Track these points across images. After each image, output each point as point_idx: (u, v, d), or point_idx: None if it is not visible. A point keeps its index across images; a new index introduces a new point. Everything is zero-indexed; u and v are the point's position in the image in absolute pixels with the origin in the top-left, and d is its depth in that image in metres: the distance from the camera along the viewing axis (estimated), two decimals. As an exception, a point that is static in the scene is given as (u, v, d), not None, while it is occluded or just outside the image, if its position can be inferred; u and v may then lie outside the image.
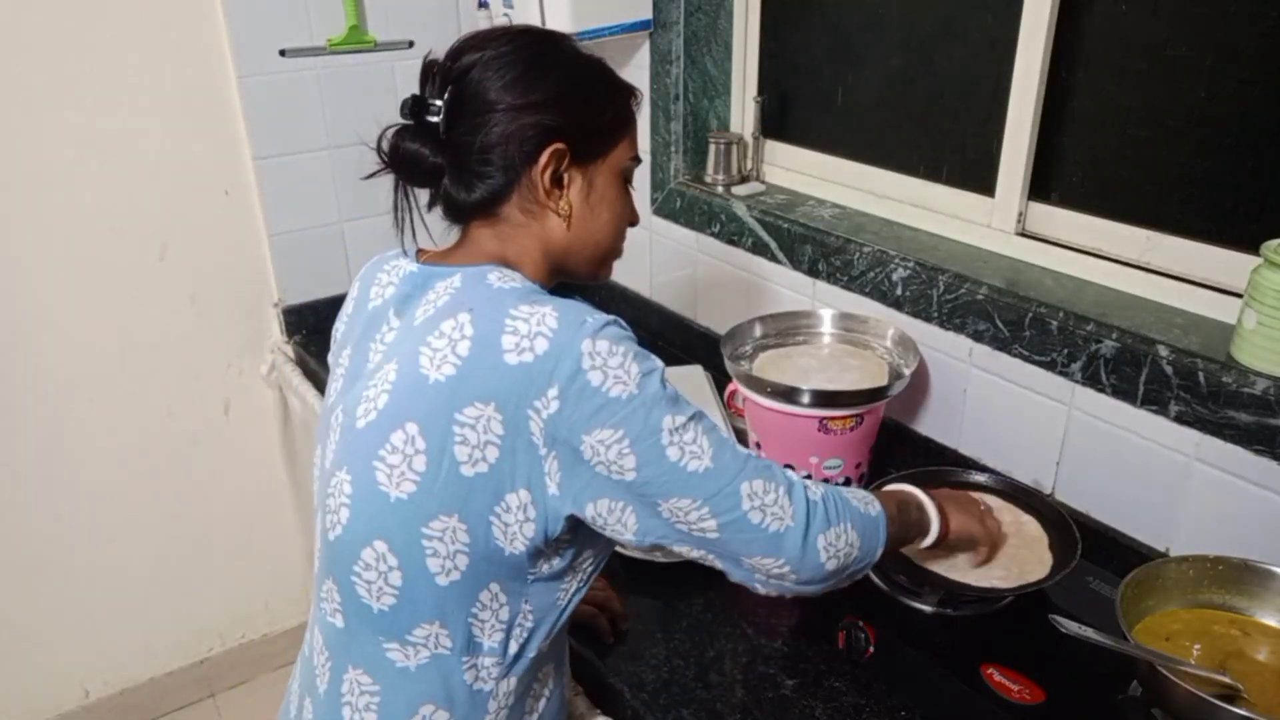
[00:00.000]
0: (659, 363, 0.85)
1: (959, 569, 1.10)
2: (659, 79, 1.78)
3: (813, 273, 1.57)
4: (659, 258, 1.93)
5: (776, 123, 1.78)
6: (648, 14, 1.73)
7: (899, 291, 1.43)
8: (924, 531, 1.03)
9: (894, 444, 1.47)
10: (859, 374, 1.37)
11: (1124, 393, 1.18)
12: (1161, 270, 1.25)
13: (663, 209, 1.86)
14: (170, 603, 2.14)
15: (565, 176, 0.92)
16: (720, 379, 1.64)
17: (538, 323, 0.81)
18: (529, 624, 0.90)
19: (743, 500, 0.84)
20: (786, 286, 1.64)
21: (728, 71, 1.79)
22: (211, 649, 2.24)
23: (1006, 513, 1.20)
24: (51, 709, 2.08)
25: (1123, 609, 0.96)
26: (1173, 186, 1.24)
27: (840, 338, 1.48)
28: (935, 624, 1.12)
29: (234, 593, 2.22)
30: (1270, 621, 1.01)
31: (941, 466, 1.35)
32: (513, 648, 0.90)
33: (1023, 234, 1.40)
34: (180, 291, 1.93)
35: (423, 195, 0.95)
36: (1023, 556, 1.12)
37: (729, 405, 1.57)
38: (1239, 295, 1.12)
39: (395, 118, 0.92)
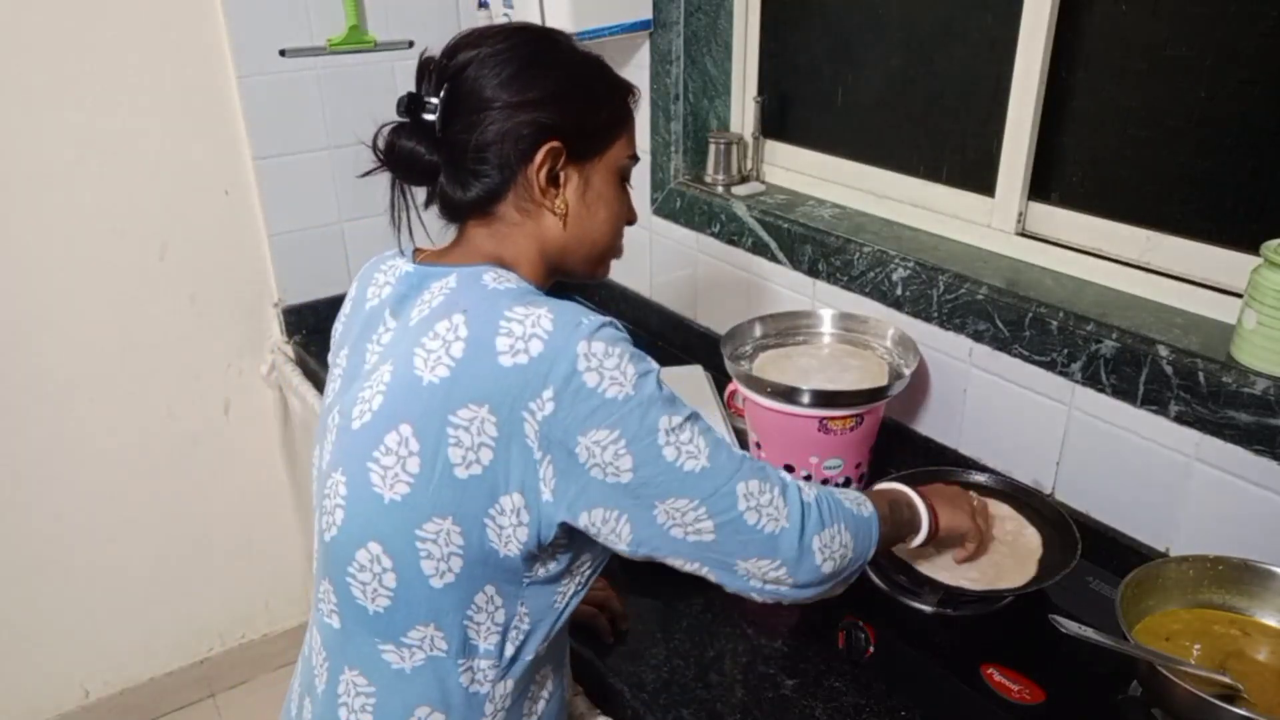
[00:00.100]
0: (655, 364, 0.85)
1: (940, 565, 1.10)
2: (659, 79, 1.78)
3: (813, 273, 1.57)
4: (659, 258, 1.93)
5: (776, 123, 1.78)
6: (648, 14, 1.73)
7: (899, 291, 1.43)
8: (915, 529, 1.03)
9: (894, 444, 1.47)
10: (859, 374, 1.37)
11: (1124, 393, 1.17)
12: (1161, 270, 1.25)
13: (663, 209, 1.86)
14: (170, 603, 2.14)
15: (561, 175, 0.91)
16: (720, 379, 1.64)
17: (533, 324, 0.80)
18: (525, 627, 0.90)
19: (739, 500, 0.84)
20: (786, 286, 1.64)
21: (728, 71, 1.79)
22: (211, 649, 2.24)
23: (1010, 521, 1.19)
24: (51, 709, 2.08)
25: (1123, 609, 0.96)
26: (1173, 186, 1.24)
27: (840, 338, 1.48)
28: (935, 624, 1.12)
29: (234, 593, 2.22)
30: (1270, 621, 1.01)
31: (941, 466, 1.35)
32: (509, 650, 0.90)
33: (1023, 234, 1.40)
34: (180, 291, 1.93)
35: (419, 194, 0.95)
36: (1005, 564, 1.12)
37: (729, 405, 1.57)
38: (1239, 295, 1.12)
39: (395, 118, 0.92)
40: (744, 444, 1.47)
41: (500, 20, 1.77)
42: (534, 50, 0.90)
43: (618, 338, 0.82)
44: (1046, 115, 1.33)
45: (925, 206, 1.52)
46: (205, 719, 2.21)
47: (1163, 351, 1.13)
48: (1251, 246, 1.11)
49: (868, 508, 0.95)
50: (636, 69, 1.81)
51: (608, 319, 0.84)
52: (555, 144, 0.89)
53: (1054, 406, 1.27)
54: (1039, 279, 1.33)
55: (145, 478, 2.01)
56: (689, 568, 0.87)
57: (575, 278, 1.00)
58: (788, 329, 1.50)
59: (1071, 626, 0.94)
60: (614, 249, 1.00)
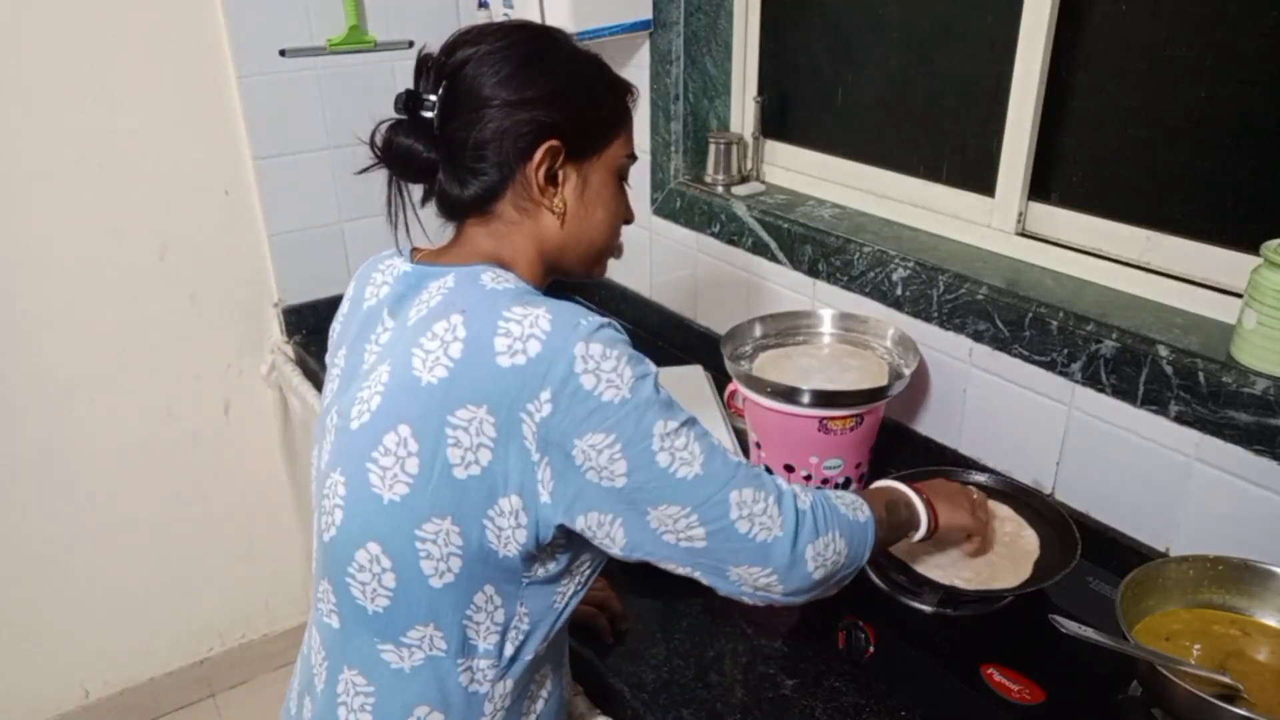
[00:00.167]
0: (652, 366, 0.84)
1: (935, 563, 1.10)
2: (659, 79, 1.78)
3: (813, 273, 1.57)
4: (659, 258, 1.93)
5: (776, 123, 1.78)
6: (648, 14, 1.73)
7: (899, 291, 1.43)
8: (914, 528, 1.03)
9: (894, 444, 1.47)
10: (859, 374, 1.36)
11: (1124, 393, 1.17)
12: (1161, 270, 1.25)
13: (663, 209, 1.86)
14: (170, 603, 2.14)
15: (560, 174, 0.91)
16: (720, 379, 1.64)
17: (530, 325, 0.80)
18: (525, 627, 0.90)
19: (731, 509, 0.83)
20: (786, 286, 1.64)
21: (728, 71, 1.79)
22: (211, 649, 2.24)
23: (1010, 523, 1.19)
24: (51, 709, 2.08)
25: (1123, 609, 0.96)
26: (1173, 186, 1.24)
27: (840, 338, 1.48)
28: (935, 624, 1.12)
29: (234, 593, 2.22)
30: (1270, 621, 1.01)
31: (941, 466, 1.34)
32: (508, 650, 0.90)
33: (1023, 234, 1.39)
34: (180, 291, 1.93)
35: (417, 192, 0.95)
36: (1001, 565, 1.12)
37: (729, 405, 1.57)
38: (1239, 295, 1.12)
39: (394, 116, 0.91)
40: (744, 444, 1.47)
41: (500, 20, 1.77)
42: (533, 48, 0.90)
43: (616, 339, 0.82)
44: (1046, 115, 1.33)
45: (925, 206, 1.52)
46: (205, 719, 2.21)
47: (1163, 351, 1.13)
48: (1251, 246, 1.11)
49: (864, 512, 0.94)
50: (636, 69, 1.81)
51: (606, 319, 0.83)
52: (554, 143, 0.89)
53: (1054, 406, 1.27)
54: (1039, 279, 1.33)
55: (145, 477, 2.01)
56: (682, 571, 0.87)
57: (573, 277, 0.99)
58: (788, 329, 1.50)
59: (1071, 626, 0.94)
60: (611, 248, 1.00)
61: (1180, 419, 1.13)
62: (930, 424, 1.46)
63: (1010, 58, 1.34)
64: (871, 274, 1.46)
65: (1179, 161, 1.22)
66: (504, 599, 0.87)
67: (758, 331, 1.49)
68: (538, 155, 0.89)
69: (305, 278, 2.01)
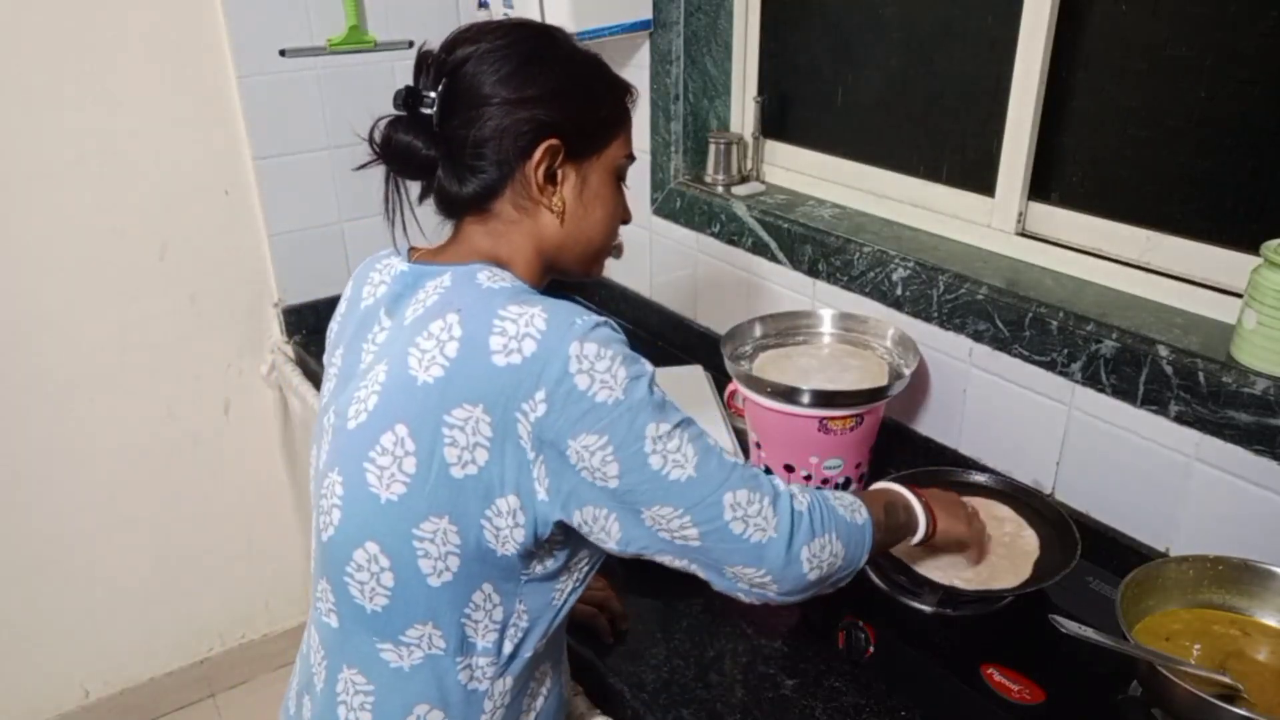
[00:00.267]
0: (648, 367, 0.84)
1: (934, 564, 1.10)
2: (659, 79, 1.78)
3: (813, 273, 1.57)
4: (659, 258, 1.93)
5: (776, 123, 1.78)
6: (648, 14, 1.73)
7: (899, 291, 1.43)
8: (911, 531, 1.03)
9: (894, 444, 1.47)
10: (859, 374, 1.36)
11: (1124, 393, 1.17)
12: (1161, 270, 1.25)
13: (663, 209, 1.86)
14: (170, 603, 2.14)
15: (559, 173, 0.91)
16: (720, 379, 1.64)
17: (526, 324, 0.80)
18: (523, 624, 0.90)
19: (725, 510, 0.83)
20: (786, 286, 1.64)
21: (728, 71, 1.79)
22: (211, 649, 2.24)
23: (1010, 523, 1.19)
24: (51, 709, 2.08)
25: (1123, 609, 0.96)
26: (1173, 186, 1.24)
27: (840, 338, 1.48)
28: (935, 624, 1.12)
29: (234, 593, 2.22)
30: (1270, 621, 1.01)
31: (941, 466, 1.35)
32: (507, 648, 0.90)
33: (1023, 234, 1.39)
34: (180, 291, 1.93)
35: (414, 189, 0.95)
36: (1000, 566, 1.12)
37: (729, 405, 1.57)
38: (1239, 295, 1.12)
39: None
40: (744, 444, 1.47)
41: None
42: (533, 47, 0.90)
43: (611, 339, 0.82)
44: (1046, 115, 1.33)
45: (925, 206, 1.52)
46: (205, 719, 2.21)
47: (1163, 351, 1.13)
48: (1251, 246, 1.11)
49: (862, 514, 0.94)
50: (636, 69, 1.81)
51: (603, 318, 0.83)
52: (554, 141, 0.89)
53: (1054, 406, 1.27)
54: (1039, 279, 1.33)
55: (145, 477, 2.01)
56: (678, 564, 0.87)
57: (570, 276, 0.99)
58: (788, 329, 1.50)
59: (1071, 626, 0.94)
60: (609, 248, 1.00)
61: (1180, 419, 1.13)
62: (930, 424, 1.46)
63: (1010, 58, 1.34)
64: (871, 274, 1.46)
65: (1179, 161, 1.22)
66: (502, 597, 0.88)
67: (758, 331, 1.49)
68: (537, 154, 0.89)
69: (305, 278, 2.01)
